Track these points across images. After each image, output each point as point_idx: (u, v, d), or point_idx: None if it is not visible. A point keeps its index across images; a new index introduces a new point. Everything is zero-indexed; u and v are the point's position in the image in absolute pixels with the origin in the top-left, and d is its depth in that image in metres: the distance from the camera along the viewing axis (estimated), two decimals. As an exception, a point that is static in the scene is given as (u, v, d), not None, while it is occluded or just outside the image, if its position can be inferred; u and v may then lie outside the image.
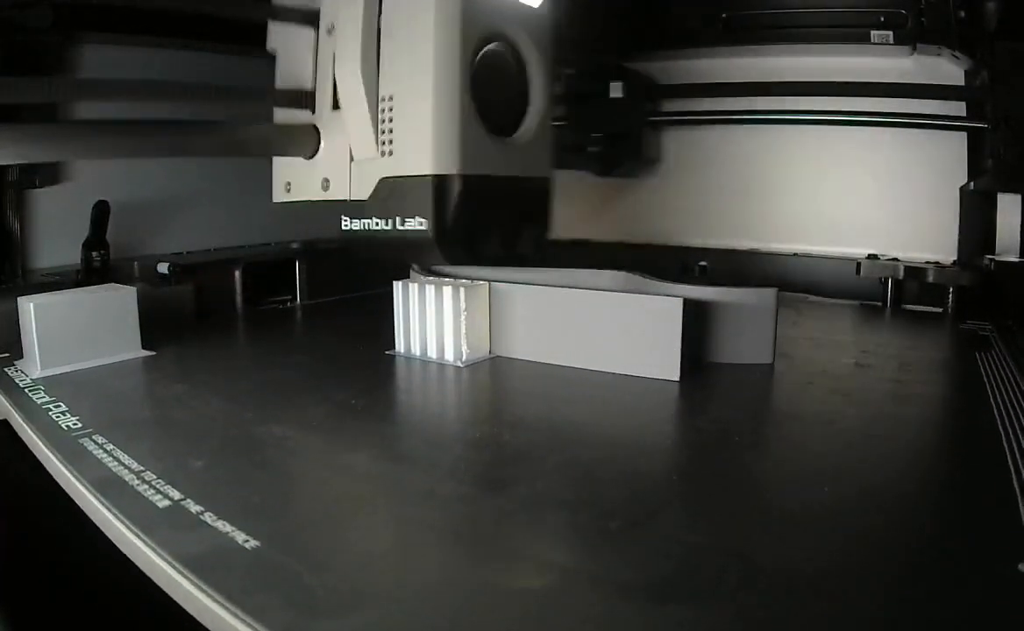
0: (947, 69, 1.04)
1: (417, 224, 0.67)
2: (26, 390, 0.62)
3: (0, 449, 0.60)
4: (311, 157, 0.74)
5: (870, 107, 1.08)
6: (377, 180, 0.69)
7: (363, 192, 0.70)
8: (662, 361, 0.63)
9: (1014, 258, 0.96)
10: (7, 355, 0.73)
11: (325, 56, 0.71)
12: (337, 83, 0.70)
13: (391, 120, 0.68)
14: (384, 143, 0.68)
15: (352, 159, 0.71)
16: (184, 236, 1.06)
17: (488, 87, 0.68)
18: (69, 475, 0.45)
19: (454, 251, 0.68)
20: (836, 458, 0.48)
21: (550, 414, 0.57)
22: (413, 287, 0.72)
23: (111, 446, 0.48)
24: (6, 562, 0.62)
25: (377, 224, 0.70)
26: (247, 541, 0.36)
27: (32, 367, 0.67)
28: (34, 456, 0.51)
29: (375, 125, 0.68)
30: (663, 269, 0.76)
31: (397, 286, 0.73)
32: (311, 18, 0.72)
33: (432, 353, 0.71)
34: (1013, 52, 0.93)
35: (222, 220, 1.12)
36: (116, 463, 0.46)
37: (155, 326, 0.77)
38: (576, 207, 1.34)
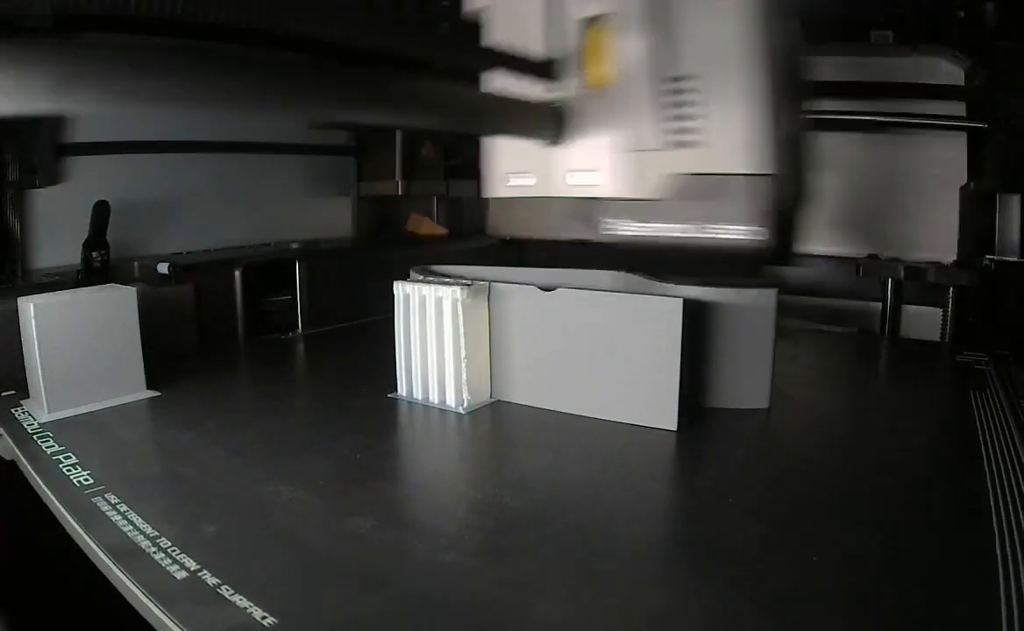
0: (947, 69, 1.04)
1: (740, 231, 0.56)
2: (35, 437, 0.63)
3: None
4: (554, 144, 0.60)
5: (870, 107, 1.08)
6: (663, 176, 0.57)
7: (638, 189, 0.58)
8: (660, 409, 0.63)
9: (1014, 258, 0.96)
10: (12, 393, 0.73)
11: (570, 18, 0.58)
12: (597, 55, 0.57)
13: (685, 105, 0.55)
14: (673, 132, 0.56)
15: (618, 150, 0.58)
16: (184, 236, 1.06)
17: (790, 70, 0.56)
18: (88, 539, 0.45)
19: (775, 261, 0.60)
20: (826, 528, 0.48)
21: (550, 472, 0.57)
22: (414, 325, 0.71)
23: (124, 507, 0.49)
24: (6, 562, 0.62)
25: (668, 230, 0.58)
26: (265, 617, 0.37)
27: (39, 410, 0.68)
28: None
29: (658, 110, 0.56)
30: (662, 269, 0.75)
31: (398, 321, 0.72)
32: None
33: (434, 398, 0.71)
34: (1013, 52, 0.93)
35: (222, 220, 1.12)
36: (131, 527, 0.46)
37: (156, 330, 0.77)
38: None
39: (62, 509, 0.49)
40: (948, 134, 1.05)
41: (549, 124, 0.58)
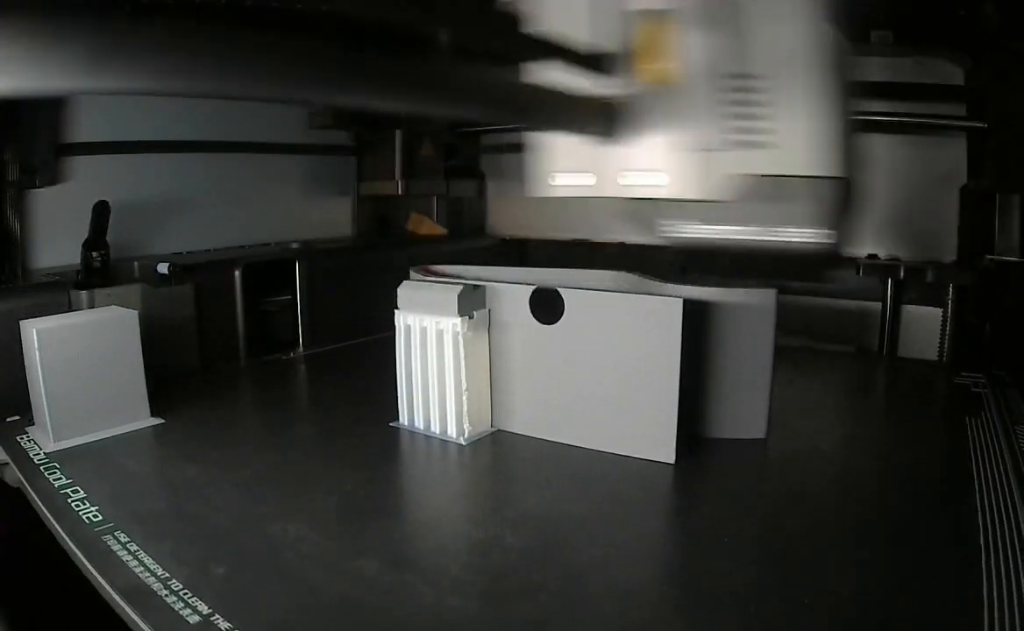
0: (947, 69, 1.04)
1: (808, 235, 0.54)
2: (42, 468, 0.63)
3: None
4: (608, 140, 0.57)
5: (870, 107, 1.07)
6: (727, 177, 0.55)
7: (700, 190, 0.56)
8: (658, 440, 0.63)
9: (1014, 258, 0.96)
10: (17, 418, 0.74)
11: (626, 5, 0.55)
12: (656, 49, 0.55)
13: (751, 105, 0.54)
14: (737, 132, 0.54)
15: (677, 149, 0.56)
16: (184, 236, 1.06)
17: (847, 72, 0.55)
18: (102, 581, 0.46)
19: (837, 266, 0.60)
20: (818, 569, 0.49)
21: (549, 509, 0.57)
22: (415, 356, 0.71)
23: (135, 546, 0.50)
24: (6, 563, 0.62)
25: (733, 232, 0.56)
26: None
27: (45, 439, 0.68)
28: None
29: (720, 109, 0.54)
30: (662, 269, 0.75)
31: (399, 351, 0.72)
32: None
33: (435, 428, 0.71)
34: (1013, 52, 0.93)
35: (222, 220, 1.12)
36: (142, 568, 0.47)
37: (156, 331, 0.77)
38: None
39: (75, 548, 0.50)
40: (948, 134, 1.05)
41: (602, 120, 0.55)
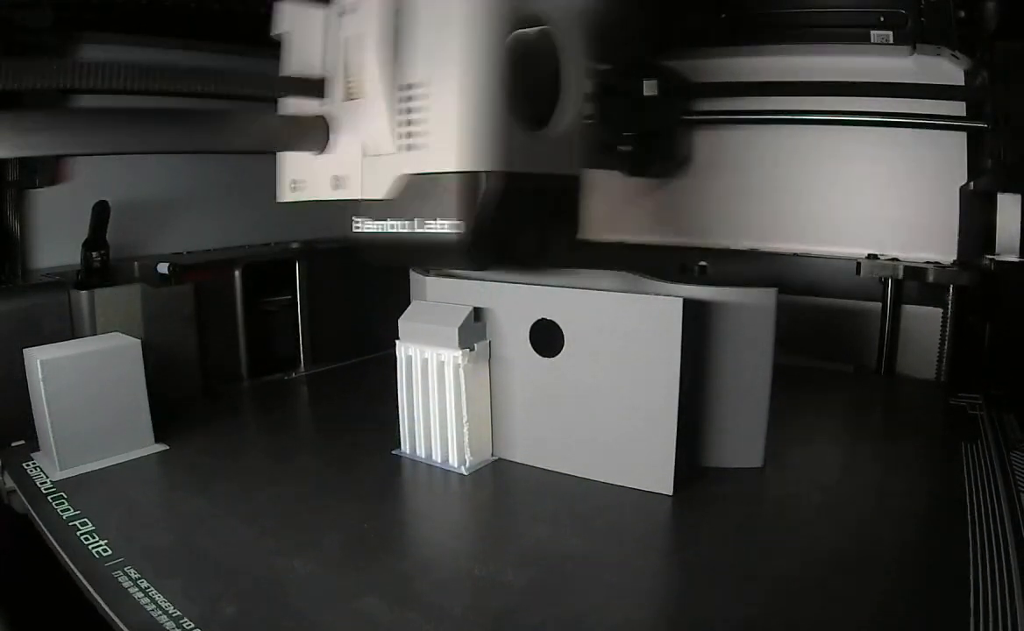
0: (947, 69, 1.04)
1: (444, 226, 0.61)
2: (49, 497, 0.64)
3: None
4: (320, 152, 0.67)
5: (870, 107, 1.07)
6: (395, 177, 0.63)
7: (379, 190, 0.64)
8: (657, 472, 0.64)
9: (1014, 258, 0.96)
10: (22, 442, 0.74)
11: (338, 39, 0.65)
12: (351, 70, 0.64)
13: (413, 111, 0.61)
14: (404, 136, 0.62)
15: (367, 154, 0.65)
16: (184, 236, 1.06)
17: (520, 75, 0.62)
18: (117, 620, 0.47)
19: (484, 255, 0.63)
20: (811, 610, 0.49)
21: (549, 545, 0.58)
22: (416, 387, 0.72)
23: (145, 583, 0.50)
24: (6, 563, 0.62)
25: (396, 226, 0.63)
26: None
27: (51, 466, 0.69)
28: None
29: (394, 117, 0.62)
30: (662, 269, 0.75)
31: (401, 382, 0.74)
32: None
33: (436, 457, 0.72)
34: (1013, 52, 0.93)
35: (222, 220, 1.12)
36: (154, 606, 0.48)
37: (155, 329, 0.77)
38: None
39: (88, 586, 0.51)
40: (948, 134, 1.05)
41: (313, 136, 0.66)
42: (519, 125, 0.62)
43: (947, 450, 0.75)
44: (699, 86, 1.21)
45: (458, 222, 0.60)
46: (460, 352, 0.69)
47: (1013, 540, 0.56)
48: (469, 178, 0.59)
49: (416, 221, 0.62)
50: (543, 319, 0.69)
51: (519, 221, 0.64)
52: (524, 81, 0.62)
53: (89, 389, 0.70)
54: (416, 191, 0.61)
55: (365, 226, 0.66)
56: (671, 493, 0.64)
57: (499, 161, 0.60)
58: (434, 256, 0.66)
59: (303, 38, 0.68)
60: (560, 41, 0.66)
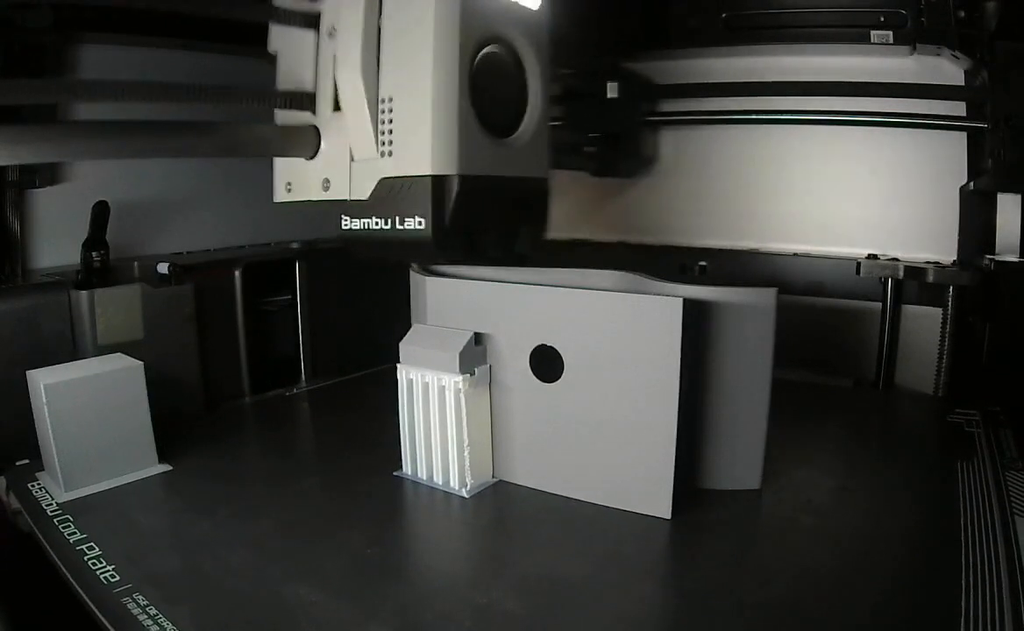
0: (947, 69, 1.03)
1: (416, 224, 0.66)
2: (55, 520, 0.64)
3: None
4: (311, 158, 0.73)
5: (870, 107, 1.08)
6: (377, 180, 0.69)
7: (363, 192, 0.70)
8: (655, 494, 0.65)
9: (1014, 258, 0.96)
10: (27, 461, 0.74)
11: (326, 58, 0.71)
12: (338, 85, 0.70)
13: (391, 121, 0.68)
14: (384, 144, 0.68)
15: (352, 160, 0.71)
16: (184, 236, 1.06)
17: (487, 89, 0.68)
18: None
19: (452, 250, 0.68)
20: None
21: (550, 571, 0.58)
22: (417, 410, 0.73)
23: (154, 610, 0.51)
24: (13, 583, 0.63)
25: (376, 224, 0.69)
26: None
27: (56, 488, 0.69)
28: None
29: (375, 126, 0.68)
30: (661, 269, 0.76)
31: (402, 405, 0.75)
32: (312, 21, 0.72)
33: (437, 479, 0.73)
34: (1013, 52, 0.93)
35: (222, 220, 1.12)
36: None
37: (155, 330, 0.77)
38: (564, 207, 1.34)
39: (98, 613, 0.51)
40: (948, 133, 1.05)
41: (305, 142, 0.73)
42: (487, 133, 0.69)
43: (943, 470, 0.76)
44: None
45: (429, 220, 0.66)
46: (461, 377, 0.70)
47: (1006, 567, 0.56)
48: (440, 181, 0.66)
49: (395, 219, 0.68)
50: (543, 345, 0.70)
51: (487, 219, 0.71)
52: (491, 94, 0.69)
53: (93, 411, 0.71)
54: (395, 192, 0.68)
55: (352, 224, 0.72)
56: (669, 517, 0.64)
57: (467, 165, 0.67)
58: (409, 251, 0.72)
59: (294, 56, 0.75)
60: (525, 58, 0.72)
